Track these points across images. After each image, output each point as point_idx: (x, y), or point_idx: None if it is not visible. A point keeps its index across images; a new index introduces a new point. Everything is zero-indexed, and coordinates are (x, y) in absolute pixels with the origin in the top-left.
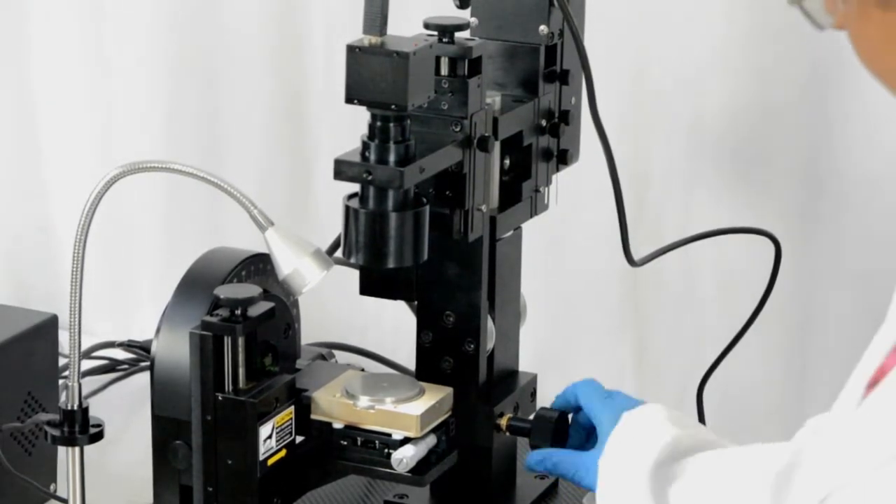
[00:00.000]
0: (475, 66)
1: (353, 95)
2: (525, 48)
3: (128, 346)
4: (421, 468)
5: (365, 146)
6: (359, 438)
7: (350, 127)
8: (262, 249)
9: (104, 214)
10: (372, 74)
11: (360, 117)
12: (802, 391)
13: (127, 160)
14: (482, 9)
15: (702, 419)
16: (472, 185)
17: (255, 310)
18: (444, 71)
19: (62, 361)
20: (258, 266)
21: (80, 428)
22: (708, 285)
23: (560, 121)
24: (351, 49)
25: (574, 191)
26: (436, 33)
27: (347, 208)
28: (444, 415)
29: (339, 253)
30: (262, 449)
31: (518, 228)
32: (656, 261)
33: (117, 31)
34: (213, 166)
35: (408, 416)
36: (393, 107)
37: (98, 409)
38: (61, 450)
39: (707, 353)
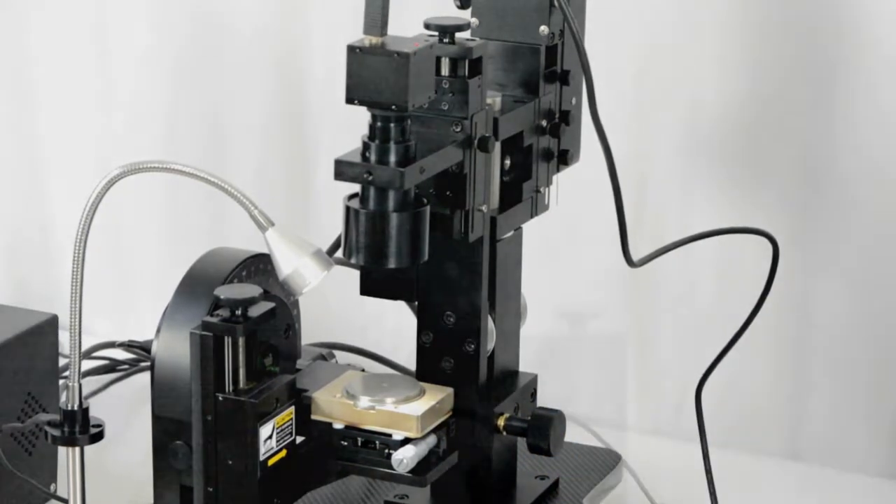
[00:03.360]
0: (476, 67)
1: (354, 96)
2: (526, 48)
3: (128, 346)
4: (421, 468)
5: (365, 146)
6: (359, 439)
7: (350, 127)
8: (263, 250)
9: (104, 214)
10: (372, 75)
11: (361, 118)
12: (801, 390)
13: (127, 160)
14: (483, 9)
15: (701, 419)
16: (472, 186)
17: (256, 310)
18: (445, 71)
19: (62, 361)
20: (258, 266)
21: (81, 428)
22: (707, 285)
23: (560, 121)
24: (351, 49)
25: (574, 191)
26: (436, 34)
27: (348, 209)
28: (445, 415)
29: (339, 253)
30: (262, 449)
31: (518, 229)
32: (656, 261)
33: (118, 32)
34: (213, 166)
35: (408, 416)
36: (393, 107)
37: (98, 409)
38: (61, 450)
39: (706, 353)
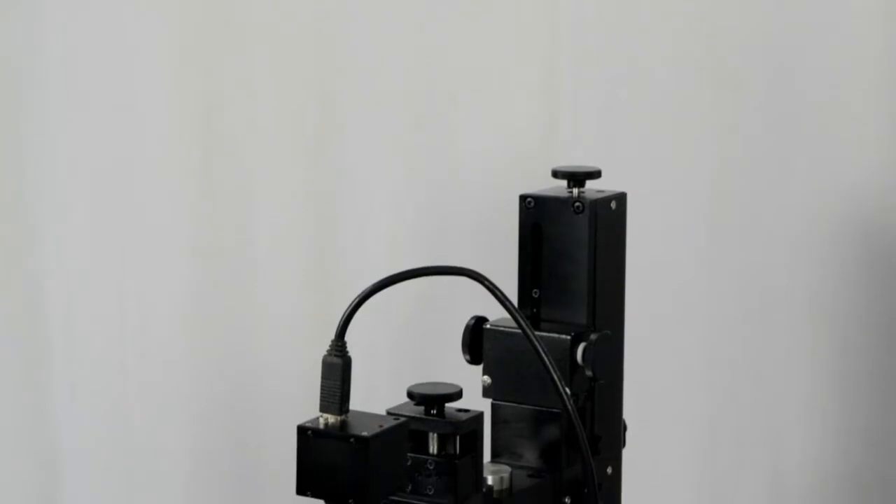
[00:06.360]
0: (469, 443)
1: (305, 487)
2: (546, 413)
3: None
4: None
5: None
6: None
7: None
8: None
9: None
10: (326, 462)
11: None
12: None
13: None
14: (496, 366)
15: None
16: None
17: None
18: (433, 449)
19: None
20: None
21: None
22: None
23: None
24: (302, 431)
25: None
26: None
27: None
28: None
29: None
30: None
31: None
32: None
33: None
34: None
35: None
36: (350, 502)
37: None
38: None
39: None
